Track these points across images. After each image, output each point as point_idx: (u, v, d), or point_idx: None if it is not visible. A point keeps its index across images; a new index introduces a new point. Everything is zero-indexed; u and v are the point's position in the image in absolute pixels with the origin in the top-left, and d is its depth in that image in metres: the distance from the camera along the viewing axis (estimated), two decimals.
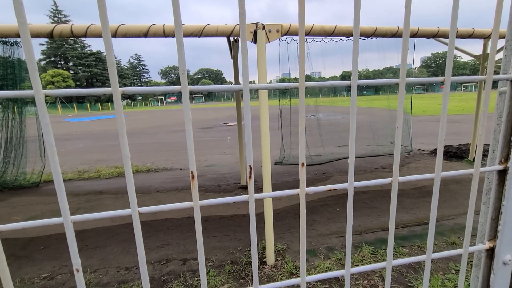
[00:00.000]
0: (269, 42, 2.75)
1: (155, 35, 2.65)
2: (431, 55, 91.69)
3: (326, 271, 2.69)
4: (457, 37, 3.28)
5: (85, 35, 2.87)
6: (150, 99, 70.64)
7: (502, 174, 0.46)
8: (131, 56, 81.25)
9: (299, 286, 0.43)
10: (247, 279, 2.65)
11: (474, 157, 6.37)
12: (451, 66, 0.39)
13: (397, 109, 0.39)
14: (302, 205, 0.37)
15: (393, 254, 3.06)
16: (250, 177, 0.36)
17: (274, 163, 6.85)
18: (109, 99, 60.06)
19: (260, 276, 2.71)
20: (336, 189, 0.39)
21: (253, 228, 0.38)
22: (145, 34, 2.67)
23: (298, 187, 0.38)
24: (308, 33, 3.14)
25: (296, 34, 3.26)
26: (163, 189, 5.39)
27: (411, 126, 8.37)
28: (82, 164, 7.60)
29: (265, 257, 2.90)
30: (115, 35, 2.69)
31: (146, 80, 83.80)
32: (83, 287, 0.37)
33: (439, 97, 42.04)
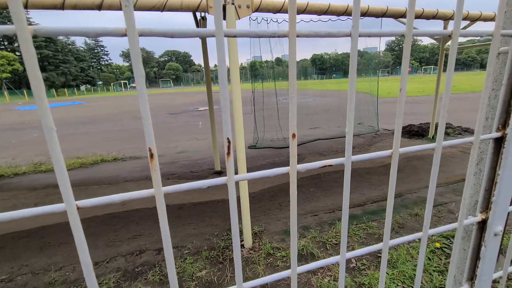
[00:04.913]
0: (239, 18, 2.59)
1: (111, 8, 2.36)
2: (395, 39, 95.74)
3: (303, 249, 2.77)
4: (423, 17, 3.37)
5: (25, 6, 2.47)
6: (112, 84, 65.92)
7: (499, 142, 0.43)
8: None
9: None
10: (225, 264, 2.63)
11: (434, 135, 6.89)
12: (460, 23, 0.34)
13: (402, 66, 0.33)
14: (292, 185, 0.31)
15: (363, 228, 3.20)
16: (228, 153, 0.28)
17: (247, 146, 6.81)
18: (64, 84, 54.91)
19: None
20: (332, 165, 0.33)
21: (234, 215, 0.31)
22: (99, 7, 2.36)
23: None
24: (279, 10, 3.02)
25: (267, 11, 3.12)
26: (132, 178, 5.11)
27: (378, 107, 8.75)
28: (38, 156, 6.93)
29: (243, 240, 2.90)
30: (62, 6, 2.34)
31: (106, 62, 77.59)
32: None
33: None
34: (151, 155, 0.25)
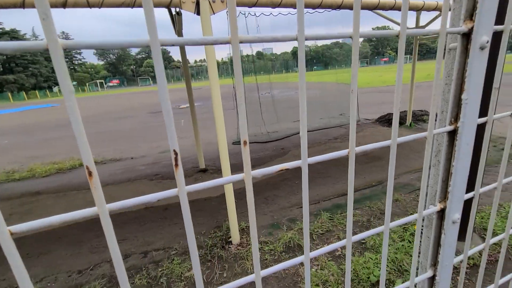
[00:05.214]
0: (214, 13, 2.54)
1: (76, 5, 2.23)
2: (371, 30, 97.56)
3: (290, 241, 2.82)
4: (395, 9, 3.45)
5: None
6: (88, 84, 63.11)
7: (452, 134, 0.45)
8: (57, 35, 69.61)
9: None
10: (213, 261, 2.64)
11: (411, 122, 7.14)
12: (406, 22, 0.34)
13: (352, 67, 0.34)
14: (249, 192, 0.30)
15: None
16: (176, 164, 0.27)
17: (232, 143, 6.78)
18: (35, 86, 52.07)
19: (226, 256, 2.72)
20: (288, 168, 0.34)
21: (190, 231, 0.30)
22: (63, 4, 2.23)
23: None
24: (254, 4, 2.99)
25: (243, 5, 3.07)
26: (113, 181, 4.97)
27: (358, 97, 8.94)
28: (11, 163, 6.56)
29: (230, 237, 2.91)
30: (23, 5, 2.19)
31: (80, 62, 73.91)
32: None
33: (380, 69, 45.58)
34: (90, 173, 0.23)
